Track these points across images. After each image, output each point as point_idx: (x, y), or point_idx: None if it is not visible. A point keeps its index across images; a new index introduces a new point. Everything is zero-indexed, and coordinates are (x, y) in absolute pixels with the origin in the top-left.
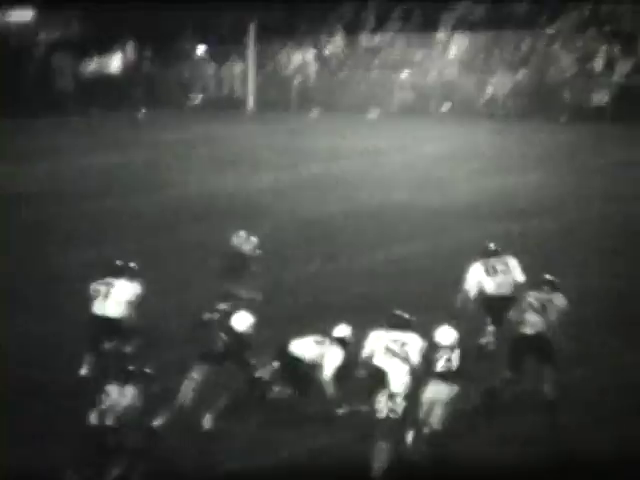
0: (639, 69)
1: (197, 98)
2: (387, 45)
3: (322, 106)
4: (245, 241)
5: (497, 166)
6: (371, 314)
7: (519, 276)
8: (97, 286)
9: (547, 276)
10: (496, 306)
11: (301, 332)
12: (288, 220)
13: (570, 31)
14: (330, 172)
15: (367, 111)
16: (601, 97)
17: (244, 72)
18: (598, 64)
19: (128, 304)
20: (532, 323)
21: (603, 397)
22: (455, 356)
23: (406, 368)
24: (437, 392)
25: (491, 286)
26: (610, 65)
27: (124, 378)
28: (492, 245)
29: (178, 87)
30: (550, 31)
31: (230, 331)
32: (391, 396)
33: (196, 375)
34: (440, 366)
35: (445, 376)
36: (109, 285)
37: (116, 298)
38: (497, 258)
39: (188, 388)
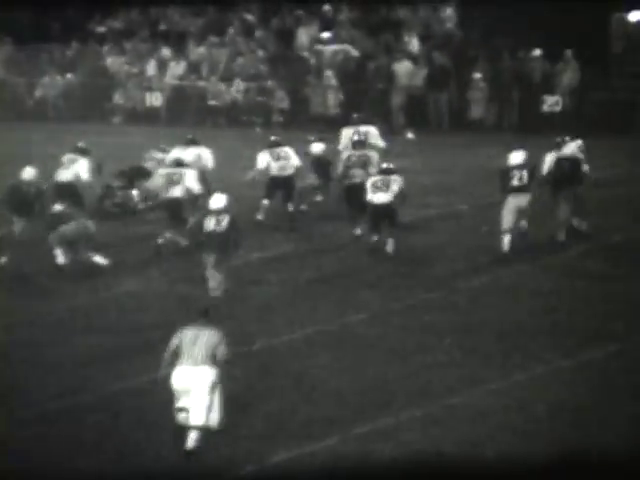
0: (191, 71)
1: None
2: None
3: None
4: None
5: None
6: None
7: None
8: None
9: None
10: None
11: None
12: None
13: (120, 32)
14: None
15: None
16: (154, 99)
17: None
18: (151, 66)
19: None
20: None
21: None
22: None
23: None
24: (517, 202)
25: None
26: (163, 66)
27: None
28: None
29: None
30: (100, 31)
31: None
32: None
33: None
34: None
35: (520, 189)
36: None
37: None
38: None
39: None
